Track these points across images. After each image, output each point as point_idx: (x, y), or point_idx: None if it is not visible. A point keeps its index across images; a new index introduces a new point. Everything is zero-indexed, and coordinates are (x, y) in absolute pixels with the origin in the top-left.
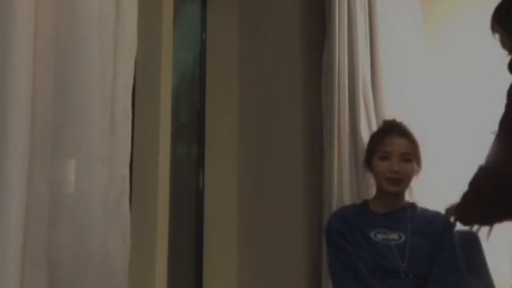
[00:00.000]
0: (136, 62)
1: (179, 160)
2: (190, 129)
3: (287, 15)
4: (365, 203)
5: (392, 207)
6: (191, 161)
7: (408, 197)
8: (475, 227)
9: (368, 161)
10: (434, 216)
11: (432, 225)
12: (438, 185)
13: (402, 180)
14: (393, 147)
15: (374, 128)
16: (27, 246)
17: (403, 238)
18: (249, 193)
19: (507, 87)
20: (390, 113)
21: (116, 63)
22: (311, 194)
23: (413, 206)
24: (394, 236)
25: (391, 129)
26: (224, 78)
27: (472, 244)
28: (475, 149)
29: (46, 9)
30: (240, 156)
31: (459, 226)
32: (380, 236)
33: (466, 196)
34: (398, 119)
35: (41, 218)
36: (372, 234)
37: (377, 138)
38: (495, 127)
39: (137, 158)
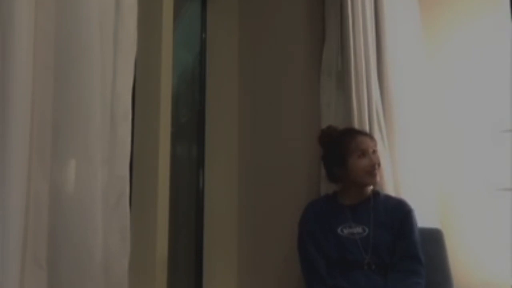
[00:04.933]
0: (136, 62)
1: (179, 160)
2: (190, 129)
3: (287, 15)
4: (335, 195)
5: (358, 199)
6: (191, 161)
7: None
8: None
9: (340, 164)
10: (395, 205)
11: (393, 214)
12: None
13: (378, 172)
14: (366, 144)
15: (377, 131)
16: (27, 246)
17: (367, 231)
18: (249, 193)
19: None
20: (394, 112)
21: (116, 63)
22: (310, 194)
23: (376, 194)
24: (358, 229)
25: (354, 131)
26: (224, 78)
27: (436, 240)
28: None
29: (46, 9)
30: (240, 156)
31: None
32: (346, 231)
33: None
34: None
35: (41, 218)
36: (339, 230)
37: (347, 141)
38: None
39: (137, 158)
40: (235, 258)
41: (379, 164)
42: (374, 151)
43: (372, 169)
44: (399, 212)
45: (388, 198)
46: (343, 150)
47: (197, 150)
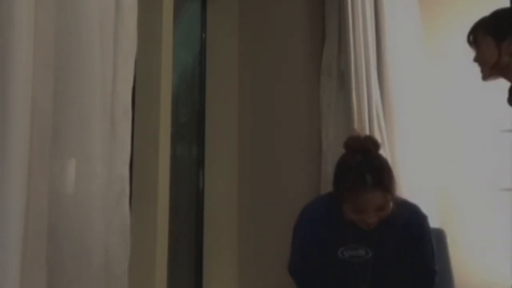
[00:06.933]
0: (136, 62)
1: (179, 160)
2: (190, 129)
3: (287, 15)
4: (337, 202)
5: None
6: (191, 161)
7: None
8: None
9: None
10: (407, 219)
11: (404, 231)
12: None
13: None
14: (368, 204)
15: (377, 131)
16: (27, 246)
17: (370, 254)
18: (249, 193)
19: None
20: (394, 112)
21: (116, 63)
22: (310, 194)
23: None
24: (361, 252)
25: (363, 179)
26: (224, 78)
27: (438, 240)
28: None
29: (46, 9)
30: (240, 156)
31: None
32: (347, 254)
33: None
34: (364, 139)
35: (41, 218)
36: (339, 252)
37: (347, 189)
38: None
39: (137, 158)
40: (235, 258)
41: (383, 218)
42: (381, 208)
43: (366, 225)
44: (412, 228)
45: (400, 207)
46: (340, 192)
47: (197, 150)
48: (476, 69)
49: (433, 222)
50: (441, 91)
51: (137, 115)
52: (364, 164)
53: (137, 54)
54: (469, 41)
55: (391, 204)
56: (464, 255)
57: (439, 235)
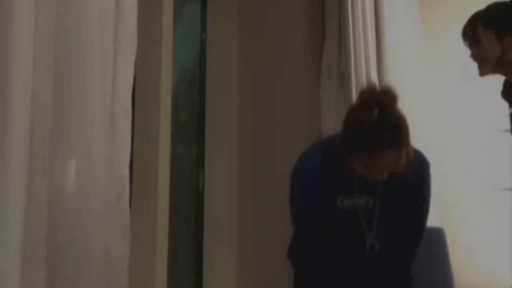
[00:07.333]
0: (136, 62)
1: (179, 160)
2: (190, 129)
3: (287, 15)
4: (335, 145)
5: None
6: (191, 161)
7: None
8: None
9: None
10: (415, 168)
11: (410, 181)
12: None
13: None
14: (382, 163)
15: None
16: (27, 246)
17: (371, 203)
18: (249, 193)
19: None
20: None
21: (116, 63)
22: None
23: None
24: (363, 200)
25: (381, 139)
26: (224, 78)
27: (438, 239)
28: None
29: (46, 9)
30: (240, 156)
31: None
32: (347, 203)
33: None
34: (381, 93)
35: (41, 218)
36: (339, 201)
37: (362, 148)
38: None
39: (137, 158)
40: (235, 258)
41: (394, 172)
42: (395, 164)
43: (374, 179)
44: (417, 177)
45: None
46: (351, 151)
47: (197, 150)
48: (475, 67)
49: (433, 222)
50: (441, 91)
51: (137, 115)
52: (382, 122)
53: (137, 54)
54: (465, 36)
55: (404, 160)
56: (464, 255)
57: (439, 234)
